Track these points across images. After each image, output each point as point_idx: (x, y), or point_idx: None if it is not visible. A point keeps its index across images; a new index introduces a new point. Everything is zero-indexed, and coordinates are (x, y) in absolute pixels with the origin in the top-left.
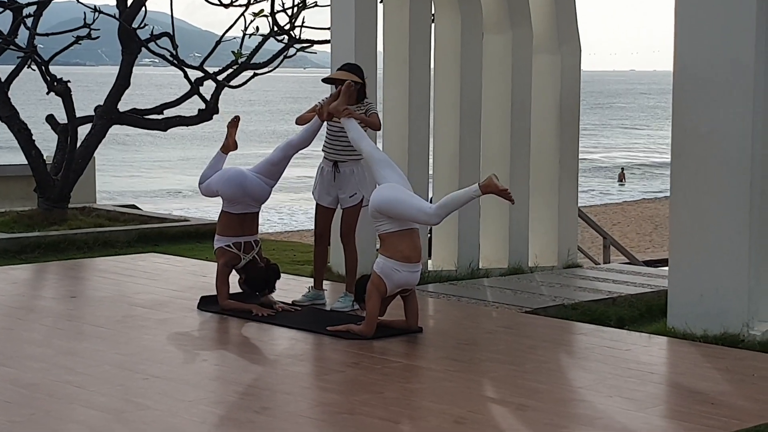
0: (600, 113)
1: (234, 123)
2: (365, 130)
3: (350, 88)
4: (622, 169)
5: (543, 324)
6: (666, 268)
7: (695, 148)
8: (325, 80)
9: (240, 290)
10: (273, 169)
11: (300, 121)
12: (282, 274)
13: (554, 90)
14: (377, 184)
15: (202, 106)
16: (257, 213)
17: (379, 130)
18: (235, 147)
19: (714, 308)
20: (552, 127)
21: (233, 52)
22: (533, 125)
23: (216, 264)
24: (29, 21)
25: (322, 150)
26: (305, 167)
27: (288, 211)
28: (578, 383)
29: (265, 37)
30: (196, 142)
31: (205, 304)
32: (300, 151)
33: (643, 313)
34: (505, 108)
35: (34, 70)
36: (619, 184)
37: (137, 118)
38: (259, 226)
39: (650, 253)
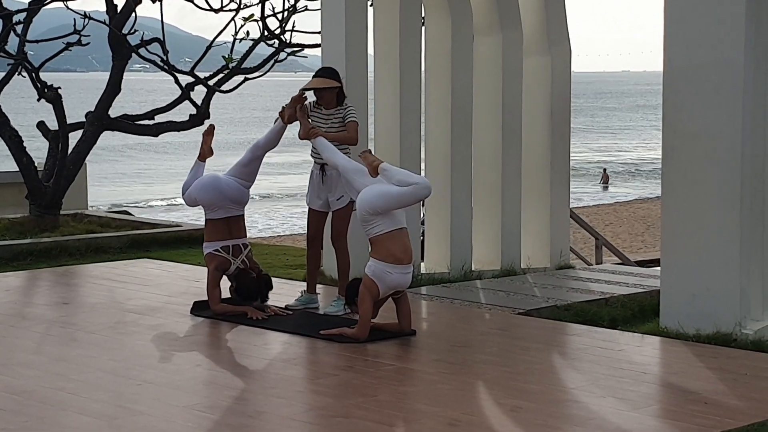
0: (589, 114)
1: (209, 131)
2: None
3: (303, 108)
4: (605, 170)
5: (536, 325)
6: (658, 269)
7: (686, 148)
8: (302, 90)
9: (230, 297)
10: (245, 170)
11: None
12: (275, 279)
13: (545, 92)
14: (358, 192)
15: (194, 111)
16: (242, 216)
17: (356, 144)
18: (211, 154)
19: (706, 308)
20: (543, 128)
21: (224, 56)
22: (524, 127)
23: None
24: (19, 28)
25: (311, 155)
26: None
27: (280, 216)
28: (571, 384)
29: (256, 42)
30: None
31: (198, 309)
32: (269, 152)
33: (635, 313)
34: (496, 110)
35: (25, 77)
36: (603, 187)
37: (128, 124)
38: (251, 231)
39: (642, 253)
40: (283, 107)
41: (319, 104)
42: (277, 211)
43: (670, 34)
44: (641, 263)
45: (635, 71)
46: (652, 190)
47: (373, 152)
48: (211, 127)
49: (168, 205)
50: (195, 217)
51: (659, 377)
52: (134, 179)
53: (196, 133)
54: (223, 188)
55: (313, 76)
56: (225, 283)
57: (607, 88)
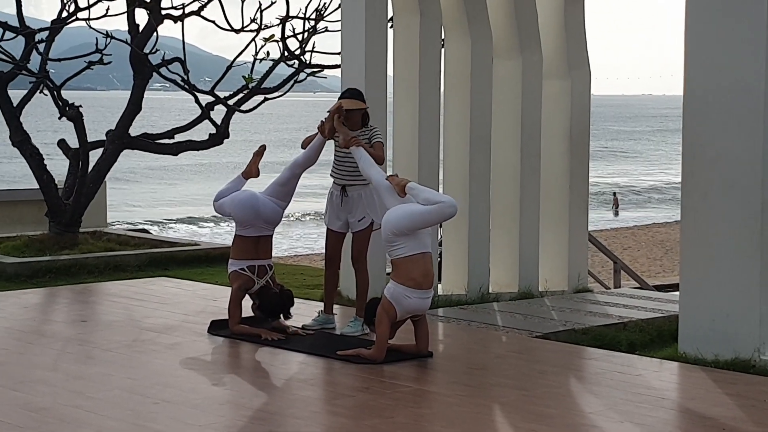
0: (607, 137)
1: (259, 152)
2: None
3: (341, 119)
4: (615, 193)
5: (553, 349)
6: (677, 293)
7: (705, 171)
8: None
9: (252, 314)
10: (283, 190)
11: (305, 143)
12: None
13: (564, 115)
14: (387, 209)
15: (213, 130)
16: (271, 236)
17: (383, 163)
18: (257, 175)
19: (725, 333)
20: (562, 151)
21: (244, 76)
22: (543, 150)
23: (229, 288)
24: (41, 46)
25: (331, 175)
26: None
27: (297, 236)
28: (589, 408)
29: (276, 62)
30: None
31: (216, 328)
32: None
33: (653, 338)
34: (515, 132)
35: (46, 95)
36: (614, 212)
37: (148, 143)
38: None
39: (661, 277)
40: (322, 122)
41: (344, 125)
42: (294, 231)
43: (690, 58)
44: (659, 288)
45: (657, 95)
46: (666, 215)
47: (384, 173)
48: (262, 148)
49: (189, 218)
50: (212, 235)
51: (677, 403)
52: (153, 201)
53: (216, 155)
54: (260, 208)
55: (340, 98)
56: (246, 302)
57: (630, 112)
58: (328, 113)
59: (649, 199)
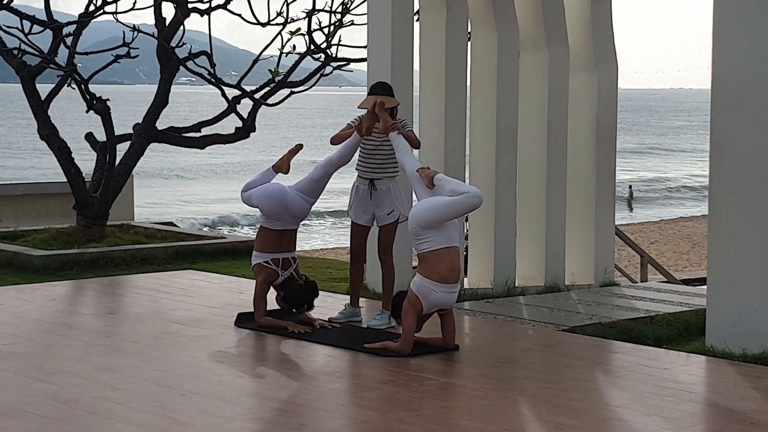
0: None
1: (295, 149)
2: None
3: (383, 106)
4: (630, 187)
5: (580, 342)
6: (704, 287)
7: (733, 166)
8: (360, 107)
9: (277, 307)
10: (314, 187)
11: (335, 140)
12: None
13: (591, 109)
14: (416, 201)
15: (239, 124)
16: (296, 230)
17: (419, 147)
18: (287, 171)
19: (753, 327)
20: (589, 145)
21: (270, 70)
22: (570, 144)
23: (254, 280)
24: (69, 40)
25: (356, 169)
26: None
27: (322, 230)
28: (616, 402)
29: (302, 56)
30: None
31: (242, 320)
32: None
33: (681, 332)
34: (541, 127)
35: (74, 88)
36: (630, 201)
37: (175, 136)
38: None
39: (687, 272)
40: (359, 119)
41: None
42: (319, 225)
43: (718, 52)
44: (686, 282)
45: (688, 88)
46: (693, 210)
47: (419, 163)
48: (299, 146)
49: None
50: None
51: (704, 397)
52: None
53: (242, 153)
54: (288, 203)
55: (370, 92)
56: (271, 294)
57: (657, 105)
58: (358, 118)
59: (676, 191)
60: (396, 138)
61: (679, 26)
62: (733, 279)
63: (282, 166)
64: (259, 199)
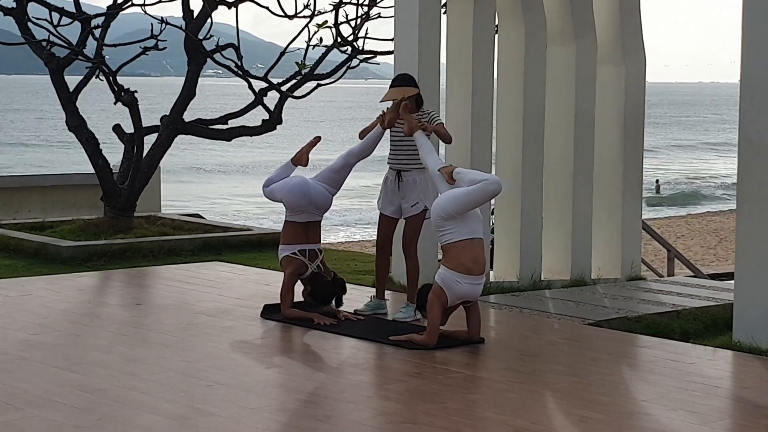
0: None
1: (313, 142)
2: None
3: (407, 106)
4: (657, 181)
5: (606, 336)
6: (731, 282)
7: (761, 160)
8: (383, 101)
9: (303, 300)
10: (335, 177)
11: (363, 134)
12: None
13: (618, 101)
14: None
15: (266, 116)
16: (319, 222)
17: (450, 142)
18: (306, 163)
19: None
20: (616, 138)
21: (297, 63)
22: (597, 136)
23: (281, 273)
24: (97, 32)
25: (387, 161)
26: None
27: (347, 222)
28: (642, 396)
29: (329, 48)
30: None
31: (268, 312)
32: (362, 160)
33: (708, 326)
34: (568, 119)
35: (102, 80)
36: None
37: (202, 128)
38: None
39: (714, 266)
40: (383, 112)
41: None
42: (345, 217)
43: (748, 45)
44: (713, 276)
45: (717, 82)
46: (720, 204)
47: (444, 161)
48: (317, 138)
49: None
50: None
51: (731, 392)
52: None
53: (269, 150)
54: (311, 194)
55: (392, 85)
56: (298, 287)
57: (692, 99)
58: (382, 110)
59: (703, 186)
60: (420, 137)
61: (708, 20)
62: (761, 274)
63: (301, 159)
64: (281, 192)
